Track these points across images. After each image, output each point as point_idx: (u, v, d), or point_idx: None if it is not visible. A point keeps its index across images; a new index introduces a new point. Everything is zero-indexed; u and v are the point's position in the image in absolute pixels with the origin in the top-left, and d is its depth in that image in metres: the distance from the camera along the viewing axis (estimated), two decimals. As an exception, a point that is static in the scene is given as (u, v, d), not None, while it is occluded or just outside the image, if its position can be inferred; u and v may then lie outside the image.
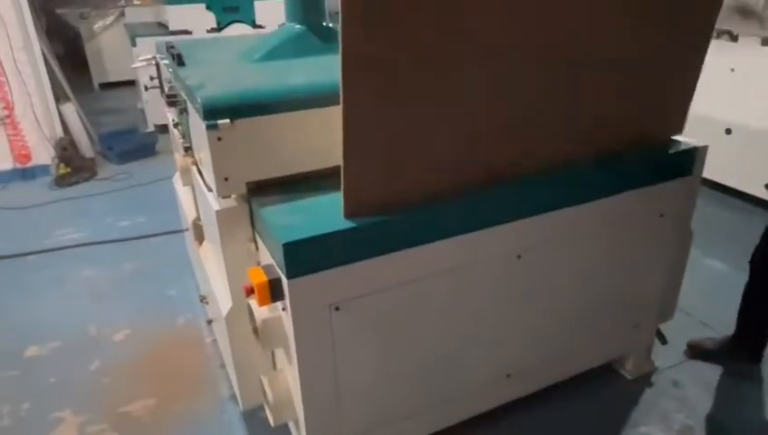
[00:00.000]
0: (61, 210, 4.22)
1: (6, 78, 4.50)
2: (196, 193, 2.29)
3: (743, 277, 2.32)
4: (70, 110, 5.01)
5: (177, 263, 3.23)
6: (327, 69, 1.90)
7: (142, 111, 5.82)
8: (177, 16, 5.33)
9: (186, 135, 2.14)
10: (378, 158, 1.48)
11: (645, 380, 2.35)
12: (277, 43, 2.07)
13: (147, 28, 5.78)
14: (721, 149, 3.41)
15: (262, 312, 1.62)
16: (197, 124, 1.72)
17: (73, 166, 4.70)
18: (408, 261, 1.60)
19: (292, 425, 1.89)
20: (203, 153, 1.78)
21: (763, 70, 3.66)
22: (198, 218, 2.35)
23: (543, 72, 1.61)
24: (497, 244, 1.74)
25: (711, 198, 3.93)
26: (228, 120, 1.57)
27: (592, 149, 1.85)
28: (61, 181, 4.61)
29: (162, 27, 5.60)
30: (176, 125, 2.45)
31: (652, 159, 1.97)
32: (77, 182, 4.64)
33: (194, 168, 2.14)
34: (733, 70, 3.79)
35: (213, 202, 1.76)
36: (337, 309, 1.55)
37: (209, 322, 2.50)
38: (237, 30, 5.47)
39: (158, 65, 2.58)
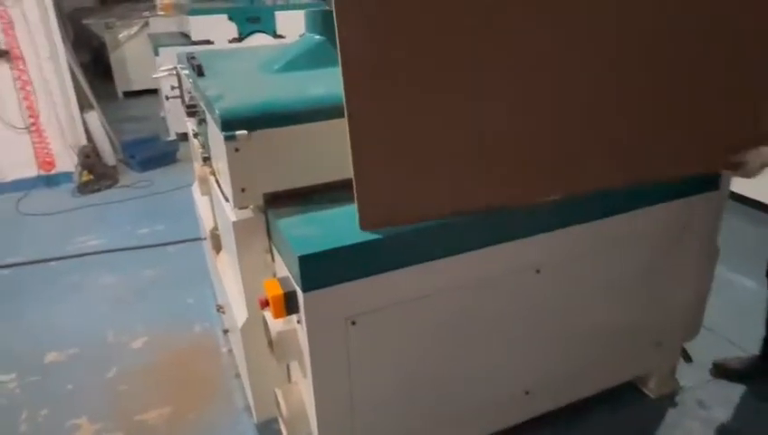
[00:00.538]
0: (83, 217, 4.27)
1: (33, 87, 4.59)
2: (213, 203, 2.29)
3: (771, 295, 2.25)
4: (93, 118, 5.09)
5: (195, 271, 3.24)
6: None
7: (164, 119, 5.89)
8: (199, 26, 5.39)
9: (205, 145, 2.15)
10: (389, 168, 1.41)
11: (669, 399, 2.28)
12: (296, 54, 2.07)
13: (170, 38, 5.87)
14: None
15: (277, 324, 1.61)
16: (216, 135, 1.73)
17: (96, 173, 4.77)
18: (426, 275, 1.57)
19: (306, 439, 1.87)
20: (221, 164, 1.78)
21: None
22: (216, 228, 2.36)
23: (586, 79, 1.47)
24: (516, 258, 1.70)
25: (738, 212, 3.83)
26: (246, 132, 1.57)
27: (631, 178, 1.66)
28: (83, 188, 4.68)
29: (185, 37, 5.68)
30: (195, 135, 2.46)
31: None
32: (99, 189, 4.70)
33: (212, 178, 2.14)
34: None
35: (230, 213, 1.76)
36: (353, 323, 1.52)
37: (225, 331, 2.50)
38: (258, 40, 5.50)
39: (179, 75, 2.61)
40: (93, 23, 7.64)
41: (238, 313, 1.89)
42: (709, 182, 1.96)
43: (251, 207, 1.72)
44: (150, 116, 6.59)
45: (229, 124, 1.57)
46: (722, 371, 2.39)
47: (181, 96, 2.62)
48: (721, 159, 1.72)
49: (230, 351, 2.61)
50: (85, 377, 2.55)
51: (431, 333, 1.68)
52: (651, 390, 2.29)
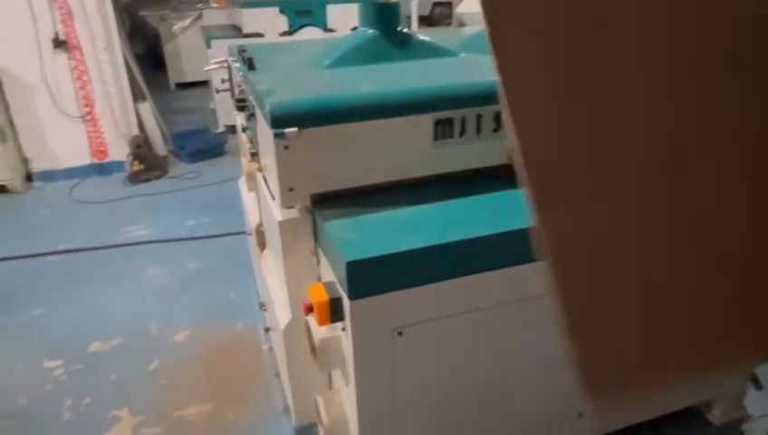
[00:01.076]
0: (132, 207, 4.34)
1: (89, 76, 4.68)
2: (260, 200, 2.25)
3: None
4: (146, 109, 5.18)
5: (239, 265, 3.23)
6: (399, 76, 1.81)
7: (214, 111, 5.94)
8: (250, 19, 5.41)
9: (253, 140, 2.10)
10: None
11: (734, 428, 2.12)
12: (348, 48, 2.00)
13: (222, 30, 5.91)
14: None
15: (320, 331, 1.54)
16: (265, 131, 1.67)
17: (146, 163, 4.84)
18: (478, 287, 1.47)
19: (345, 448, 1.80)
20: (269, 161, 1.72)
21: None
22: (261, 225, 2.32)
23: None
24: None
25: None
26: (296, 129, 1.50)
27: None
28: (134, 178, 4.76)
29: (236, 30, 5.70)
30: (244, 129, 2.43)
31: None
32: (149, 180, 4.77)
33: (259, 174, 2.09)
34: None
35: (276, 212, 1.70)
36: (400, 334, 1.44)
37: (267, 329, 2.47)
38: (309, 34, 5.49)
39: (229, 68, 2.58)
40: (149, 14, 7.80)
41: (281, 314, 1.84)
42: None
43: (297, 206, 1.66)
44: (201, 108, 6.68)
45: (279, 120, 1.51)
46: (794, 400, 2.20)
47: (231, 89, 2.58)
48: None
49: (270, 349, 2.57)
50: (128, 368, 2.56)
51: (481, 347, 1.58)
52: (715, 416, 2.13)
